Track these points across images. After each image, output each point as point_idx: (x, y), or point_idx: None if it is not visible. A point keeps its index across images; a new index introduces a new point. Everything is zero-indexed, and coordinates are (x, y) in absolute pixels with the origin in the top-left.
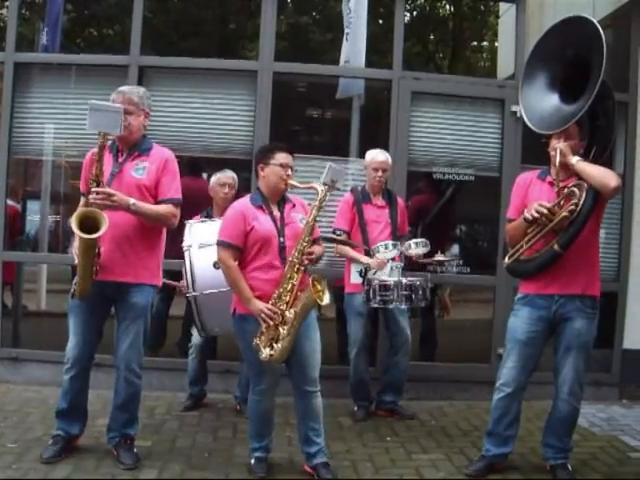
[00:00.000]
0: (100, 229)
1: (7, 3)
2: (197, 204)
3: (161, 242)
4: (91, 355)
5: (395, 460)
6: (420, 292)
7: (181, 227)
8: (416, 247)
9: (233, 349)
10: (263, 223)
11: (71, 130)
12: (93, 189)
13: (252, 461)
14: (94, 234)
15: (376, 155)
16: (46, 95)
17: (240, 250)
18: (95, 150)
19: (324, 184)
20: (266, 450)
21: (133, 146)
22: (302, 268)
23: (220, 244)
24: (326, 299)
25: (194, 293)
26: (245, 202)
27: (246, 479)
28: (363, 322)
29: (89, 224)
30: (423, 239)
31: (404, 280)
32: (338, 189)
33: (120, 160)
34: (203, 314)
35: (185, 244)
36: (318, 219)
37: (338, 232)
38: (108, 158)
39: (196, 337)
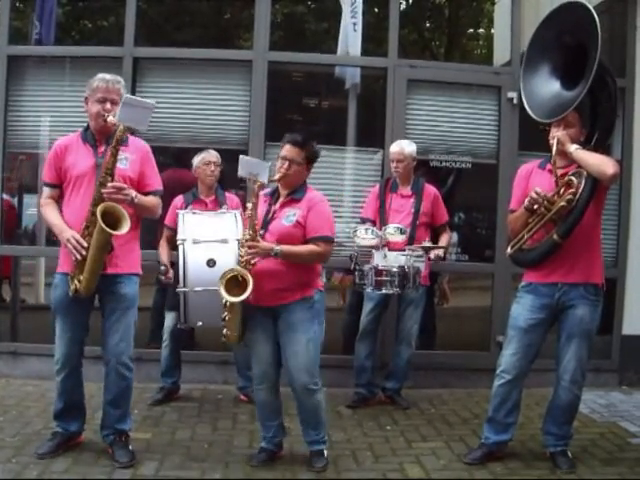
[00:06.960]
0: (122, 224)
1: None
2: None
3: (139, 232)
4: (80, 353)
5: (395, 449)
6: (396, 279)
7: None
8: (393, 233)
9: None
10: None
11: (66, 123)
12: (110, 184)
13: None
14: (116, 229)
15: (392, 146)
16: (41, 88)
17: None
18: (64, 143)
19: (240, 178)
20: (272, 443)
21: (111, 137)
22: (248, 262)
23: None
24: (240, 297)
25: (185, 289)
26: (265, 191)
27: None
28: (370, 308)
29: (107, 219)
30: (400, 226)
31: (380, 265)
32: (264, 183)
33: (101, 151)
34: (190, 309)
35: (179, 237)
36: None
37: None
38: (84, 149)
39: (168, 323)
